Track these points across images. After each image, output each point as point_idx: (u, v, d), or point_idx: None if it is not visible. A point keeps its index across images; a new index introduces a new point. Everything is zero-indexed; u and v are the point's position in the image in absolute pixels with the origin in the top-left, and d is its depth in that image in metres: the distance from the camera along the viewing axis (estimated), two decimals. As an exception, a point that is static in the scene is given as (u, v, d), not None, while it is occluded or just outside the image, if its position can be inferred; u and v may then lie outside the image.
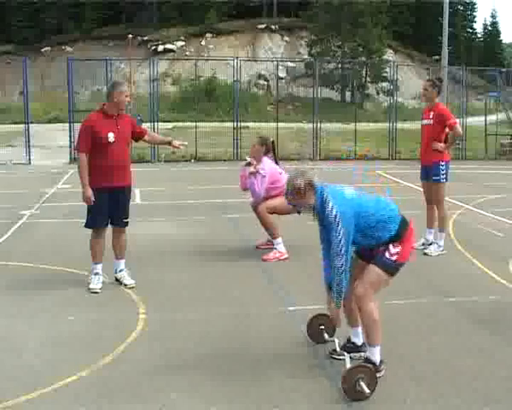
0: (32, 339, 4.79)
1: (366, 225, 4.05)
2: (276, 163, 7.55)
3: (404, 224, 4.15)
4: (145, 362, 4.38)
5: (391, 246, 4.09)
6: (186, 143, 6.55)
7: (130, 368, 4.28)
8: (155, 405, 3.80)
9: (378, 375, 4.09)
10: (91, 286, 5.94)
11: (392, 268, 4.13)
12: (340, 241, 3.96)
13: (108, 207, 5.96)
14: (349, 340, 4.46)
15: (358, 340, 4.42)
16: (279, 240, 7.23)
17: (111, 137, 5.84)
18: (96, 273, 6.05)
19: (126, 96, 5.95)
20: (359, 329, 4.40)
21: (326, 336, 4.57)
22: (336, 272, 4.02)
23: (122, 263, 6.24)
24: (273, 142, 7.65)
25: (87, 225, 6.08)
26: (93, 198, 5.83)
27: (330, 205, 4.00)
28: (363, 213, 4.05)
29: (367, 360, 4.14)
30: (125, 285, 6.05)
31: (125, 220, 6.17)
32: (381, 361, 4.15)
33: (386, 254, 4.09)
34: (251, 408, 3.77)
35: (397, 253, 4.09)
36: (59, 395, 3.90)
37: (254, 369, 4.29)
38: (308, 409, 3.76)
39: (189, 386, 4.03)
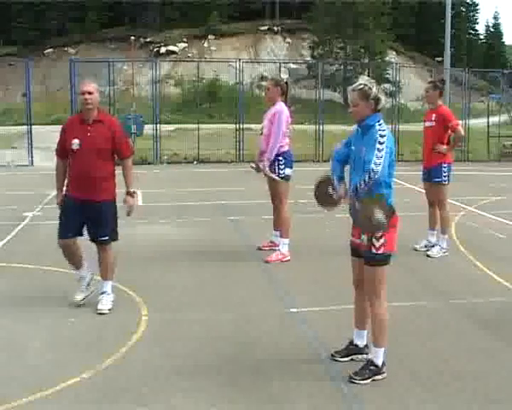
0: (35, 340, 4.81)
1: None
2: (287, 106, 7.21)
3: (392, 207, 4.18)
4: (147, 363, 4.40)
5: (374, 238, 4.10)
6: (132, 209, 5.61)
7: (132, 370, 4.30)
8: (157, 406, 3.82)
9: (380, 377, 4.12)
10: (75, 296, 5.51)
11: (383, 261, 4.15)
12: (380, 158, 4.02)
13: (81, 220, 5.41)
14: (351, 342, 4.47)
15: (361, 342, 4.44)
16: (286, 241, 7.21)
17: (75, 144, 5.30)
18: (81, 278, 5.61)
19: (89, 94, 5.25)
20: (364, 332, 4.43)
21: (334, 196, 4.37)
22: (366, 180, 4.05)
23: (105, 285, 5.56)
24: (286, 83, 7.34)
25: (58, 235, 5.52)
26: (60, 205, 5.47)
27: (385, 129, 4.12)
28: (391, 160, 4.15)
29: (370, 362, 4.16)
30: (96, 309, 5.40)
31: (102, 239, 5.48)
32: (383, 363, 4.17)
33: (373, 250, 4.11)
34: (251, 408, 3.79)
35: (382, 244, 4.10)
36: (61, 396, 3.92)
37: (255, 370, 4.31)
38: (308, 409, 3.78)
39: (191, 387, 4.05)
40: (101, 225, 5.43)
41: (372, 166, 4.00)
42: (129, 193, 5.54)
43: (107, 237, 5.48)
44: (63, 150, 5.42)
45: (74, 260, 5.57)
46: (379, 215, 3.95)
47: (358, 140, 4.23)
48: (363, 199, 4.06)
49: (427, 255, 7.44)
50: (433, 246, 7.58)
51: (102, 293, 5.54)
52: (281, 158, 7.09)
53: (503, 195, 12.28)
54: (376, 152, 4.03)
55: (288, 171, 7.16)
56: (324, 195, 4.46)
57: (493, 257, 7.41)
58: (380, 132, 4.08)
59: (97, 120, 5.37)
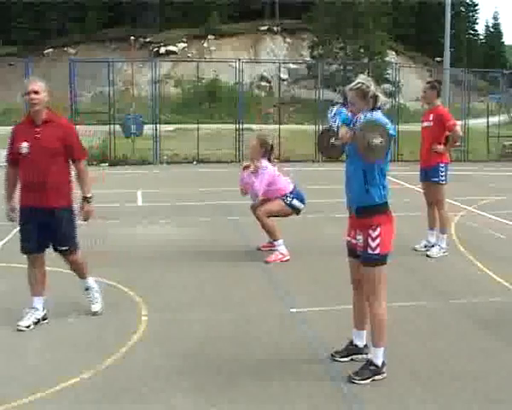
0: (34, 340, 4.82)
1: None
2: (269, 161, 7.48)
3: (387, 205, 4.19)
4: (147, 363, 4.40)
5: (369, 239, 4.11)
6: (89, 215, 5.22)
7: (132, 369, 4.30)
8: (157, 406, 3.82)
9: (380, 377, 4.12)
10: (19, 322, 4.99)
11: (380, 261, 4.14)
12: None
13: (40, 231, 5.04)
14: (351, 342, 4.47)
15: (361, 342, 4.44)
16: (280, 241, 7.24)
17: (24, 147, 4.90)
18: (32, 308, 5.11)
19: (35, 93, 4.93)
20: (364, 332, 4.43)
21: (336, 143, 4.35)
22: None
23: (84, 283, 5.36)
24: (272, 145, 7.66)
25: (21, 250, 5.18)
26: (12, 216, 5.15)
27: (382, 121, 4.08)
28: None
29: (370, 362, 4.16)
30: (91, 311, 5.32)
31: (62, 248, 5.12)
32: (383, 363, 4.17)
33: (369, 251, 4.11)
34: (251, 408, 3.79)
35: (378, 245, 4.10)
36: (61, 396, 3.92)
37: (255, 369, 4.31)
38: (308, 409, 3.78)
39: (191, 387, 4.05)
40: (58, 234, 5.06)
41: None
42: (85, 198, 5.13)
43: (66, 248, 5.12)
44: (14, 156, 5.02)
45: (35, 282, 5.14)
46: (377, 140, 3.95)
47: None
48: (360, 126, 4.03)
49: (427, 255, 7.44)
50: (432, 246, 7.58)
51: (86, 289, 5.35)
52: (289, 195, 7.32)
53: (503, 195, 12.28)
54: None
55: (296, 202, 7.33)
56: (327, 146, 4.49)
57: (493, 257, 7.41)
58: None
59: (47, 120, 4.99)
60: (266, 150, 7.41)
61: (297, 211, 7.45)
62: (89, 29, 50.54)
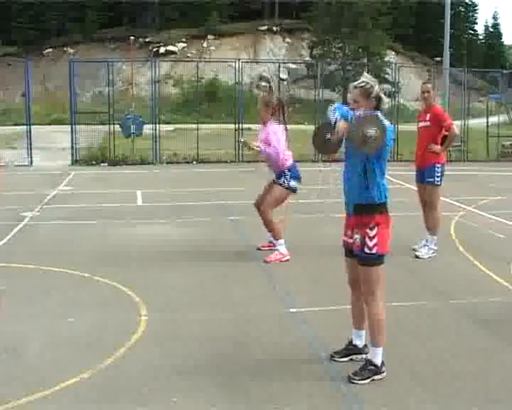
0: (34, 340, 4.81)
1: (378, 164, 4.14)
2: (285, 123, 7.26)
3: (385, 205, 4.19)
4: (146, 363, 4.39)
5: (367, 238, 4.10)
6: None
7: (132, 370, 4.29)
8: (157, 406, 3.82)
9: (379, 377, 4.12)
10: None
11: (377, 261, 4.15)
12: None
13: None
14: (351, 342, 4.47)
15: (360, 342, 4.44)
16: (281, 241, 7.23)
17: None
18: None
19: None
20: (363, 332, 4.43)
21: (332, 138, 4.33)
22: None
23: None
24: (279, 99, 7.38)
25: None
26: None
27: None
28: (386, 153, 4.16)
29: (369, 362, 4.16)
30: None
31: None
32: (382, 363, 4.17)
33: (366, 250, 4.11)
34: (251, 408, 3.79)
35: (375, 244, 4.10)
36: (61, 396, 3.91)
37: (255, 370, 4.30)
38: (308, 409, 3.78)
39: (191, 387, 4.04)
40: None
41: None
42: None
43: None
44: None
45: None
46: (371, 131, 3.96)
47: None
48: (355, 117, 4.05)
49: (416, 256, 7.38)
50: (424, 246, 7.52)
51: None
52: (286, 172, 7.19)
53: (502, 195, 12.28)
54: None
55: (293, 183, 7.24)
56: (322, 141, 4.47)
57: (493, 257, 7.41)
58: None
59: None
60: (274, 110, 7.20)
61: (294, 191, 7.33)
62: (88, 29, 50.48)
